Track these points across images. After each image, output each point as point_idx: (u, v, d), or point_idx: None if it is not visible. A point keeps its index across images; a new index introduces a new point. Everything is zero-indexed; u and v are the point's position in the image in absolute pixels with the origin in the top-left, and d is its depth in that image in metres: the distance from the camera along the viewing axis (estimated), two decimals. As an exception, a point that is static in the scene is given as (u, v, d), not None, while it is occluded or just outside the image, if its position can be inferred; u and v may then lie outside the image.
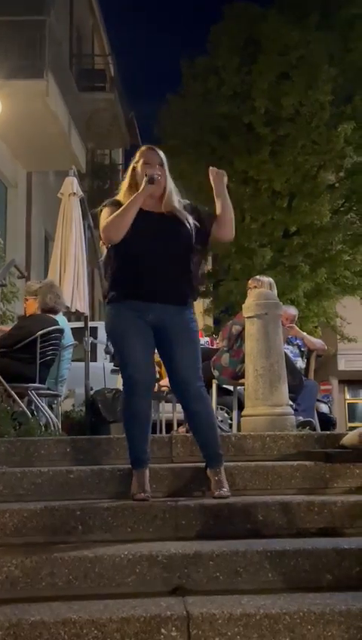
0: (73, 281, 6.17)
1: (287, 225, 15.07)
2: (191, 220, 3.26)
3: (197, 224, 3.28)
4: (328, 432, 4.68)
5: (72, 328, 5.86)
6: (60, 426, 5.36)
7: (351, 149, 14.43)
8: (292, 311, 6.61)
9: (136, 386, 3.19)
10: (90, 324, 6.87)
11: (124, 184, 3.35)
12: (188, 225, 3.24)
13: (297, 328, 6.54)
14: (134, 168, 3.31)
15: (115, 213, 3.19)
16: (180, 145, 15.36)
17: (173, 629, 2.23)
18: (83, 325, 6.64)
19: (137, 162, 3.31)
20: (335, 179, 15.36)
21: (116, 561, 2.56)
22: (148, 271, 3.18)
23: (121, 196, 3.33)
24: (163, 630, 2.22)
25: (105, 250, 3.34)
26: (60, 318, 5.47)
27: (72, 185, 6.46)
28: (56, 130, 10.63)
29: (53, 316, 5.30)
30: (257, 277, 5.80)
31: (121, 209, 3.19)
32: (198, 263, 3.32)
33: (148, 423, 3.31)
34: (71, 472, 3.28)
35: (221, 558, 2.58)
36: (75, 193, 6.42)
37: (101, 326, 8.32)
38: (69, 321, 6.46)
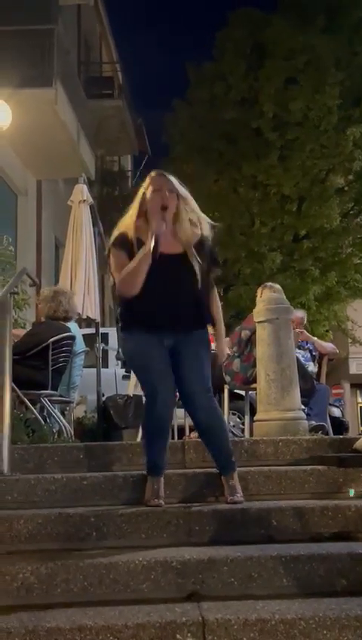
0: (84, 287, 6.19)
1: (297, 229, 15.07)
2: (198, 258, 3.25)
3: (201, 261, 3.27)
4: (341, 436, 4.67)
5: (83, 335, 5.88)
6: (73, 433, 5.37)
7: (360, 152, 14.41)
8: (300, 314, 6.60)
9: (157, 397, 3.17)
10: (101, 330, 6.89)
11: (132, 210, 3.31)
12: (196, 263, 3.24)
13: (307, 333, 6.54)
14: (144, 194, 3.28)
15: (124, 274, 3.18)
16: (188, 150, 15.42)
17: (189, 634, 2.23)
18: (94, 332, 6.66)
19: (146, 188, 3.27)
20: (344, 182, 15.35)
21: (130, 567, 2.56)
22: (157, 307, 3.19)
23: (127, 224, 3.30)
24: (178, 636, 2.22)
25: (111, 280, 3.36)
26: (72, 325, 5.49)
27: (81, 192, 6.50)
28: (66, 138, 10.67)
29: (64, 323, 5.32)
30: (266, 284, 5.80)
31: (131, 267, 3.16)
32: (208, 292, 3.31)
33: (169, 432, 3.34)
34: (84, 478, 3.28)
35: (235, 564, 2.57)
36: (84, 200, 6.45)
37: (112, 332, 8.35)
38: (80, 327, 6.48)
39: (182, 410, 6.50)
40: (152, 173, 3.33)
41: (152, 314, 3.20)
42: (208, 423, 3.24)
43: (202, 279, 3.25)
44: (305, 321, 7.06)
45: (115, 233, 3.34)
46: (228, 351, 3.30)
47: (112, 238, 3.34)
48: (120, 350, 7.03)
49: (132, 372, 6.19)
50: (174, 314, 3.21)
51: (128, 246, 3.24)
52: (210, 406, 3.25)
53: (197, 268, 3.24)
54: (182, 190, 3.28)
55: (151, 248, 3.11)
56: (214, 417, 3.26)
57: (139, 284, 3.16)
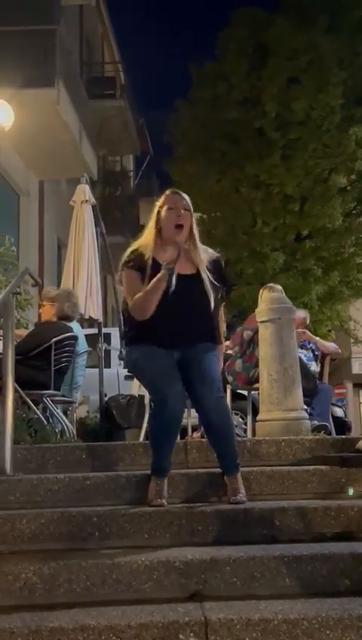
0: (86, 287, 6.21)
1: (299, 228, 15.06)
2: (210, 278, 3.30)
3: (214, 282, 3.32)
4: (343, 436, 4.66)
5: (85, 335, 5.88)
6: (75, 433, 5.37)
7: (363, 151, 14.42)
8: (302, 314, 6.60)
9: (168, 401, 3.14)
10: (104, 330, 6.90)
11: (148, 229, 3.33)
12: (207, 285, 3.27)
13: (309, 333, 6.53)
14: (158, 212, 3.30)
15: (137, 299, 3.19)
16: (190, 150, 15.43)
17: (191, 634, 2.23)
18: (96, 332, 6.67)
19: (161, 206, 3.30)
20: (346, 182, 15.34)
21: (133, 567, 2.56)
22: (168, 328, 3.20)
23: (143, 242, 3.33)
24: (181, 636, 2.23)
25: (121, 290, 3.36)
26: (74, 325, 5.50)
27: (84, 192, 6.51)
28: (68, 138, 10.68)
29: (67, 323, 5.33)
30: (267, 285, 5.81)
31: (145, 292, 3.16)
32: (217, 312, 3.34)
33: (177, 436, 3.33)
34: (87, 478, 3.28)
35: (238, 564, 2.57)
36: (87, 200, 6.47)
37: (114, 332, 8.36)
38: (82, 327, 6.48)
39: (184, 409, 6.54)
40: (167, 192, 3.36)
41: (163, 334, 3.21)
42: (217, 424, 3.23)
43: (214, 299, 3.28)
44: (308, 322, 7.06)
45: (128, 251, 3.35)
46: (224, 354, 3.35)
47: (125, 256, 3.34)
48: (122, 350, 7.04)
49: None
50: (185, 334, 3.23)
51: (142, 266, 3.25)
52: (220, 407, 3.23)
53: (209, 289, 3.26)
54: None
55: (166, 278, 3.11)
56: (224, 418, 3.25)
57: (151, 310, 3.17)
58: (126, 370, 7.56)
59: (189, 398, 3.29)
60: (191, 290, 3.25)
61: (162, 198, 3.34)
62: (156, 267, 3.20)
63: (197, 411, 3.34)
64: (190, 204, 3.31)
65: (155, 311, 3.18)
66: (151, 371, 3.24)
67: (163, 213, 3.28)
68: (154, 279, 3.16)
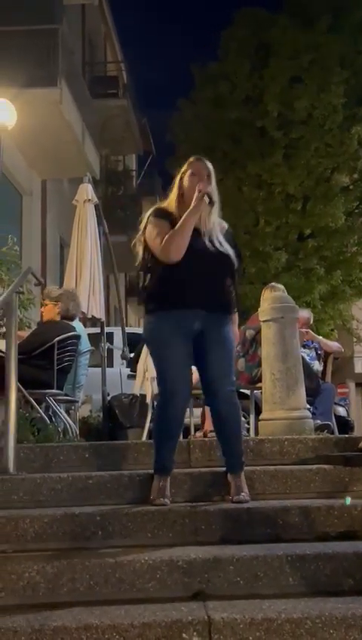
0: (89, 287, 6.20)
1: (302, 228, 15.07)
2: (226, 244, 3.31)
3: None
4: (346, 436, 4.66)
5: (88, 334, 5.88)
6: (78, 432, 5.38)
7: (365, 151, 14.43)
8: (306, 314, 6.59)
9: (173, 398, 3.16)
10: (106, 329, 6.90)
11: (173, 194, 3.32)
12: (224, 245, 3.28)
13: (312, 333, 6.52)
14: (181, 178, 3.31)
15: (171, 233, 3.16)
16: (192, 150, 15.43)
17: (195, 633, 2.23)
18: (99, 331, 6.66)
19: (184, 172, 3.31)
20: (349, 181, 15.35)
21: (136, 567, 2.56)
22: (194, 279, 3.17)
23: (168, 204, 3.33)
24: (184, 635, 2.22)
25: (140, 257, 3.32)
26: (76, 324, 5.50)
27: (86, 192, 6.51)
28: (71, 137, 10.68)
29: (69, 322, 5.33)
30: (269, 285, 5.81)
31: (177, 228, 3.16)
32: (233, 283, 3.33)
33: (180, 433, 3.33)
34: (90, 477, 3.28)
35: (241, 563, 2.57)
36: (89, 200, 6.46)
37: (117, 331, 8.36)
38: (85, 326, 6.48)
39: (187, 409, 6.53)
40: (191, 159, 3.37)
41: (187, 286, 3.16)
42: (227, 417, 3.23)
43: (230, 260, 3.27)
44: (311, 321, 7.05)
45: (153, 208, 3.34)
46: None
47: (151, 210, 3.33)
48: (125, 349, 7.05)
49: (137, 372, 6.23)
50: (207, 289, 3.19)
51: (170, 217, 3.24)
52: (232, 400, 3.24)
53: (230, 251, 3.26)
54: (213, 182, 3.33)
55: (202, 202, 3.12)
56: (234, 412, 3.25)
57: (185, 245, 3.14)
58: (128, 369, 7.59)
59: (201, 387, 3.28)
60: (212, 247, 3.23)
61: (185, 165, 3.34)
62: None
63: (208, 403, 3.34)
64: (212, 172, 3.31)
65: (179, 262, 3.14)
66: (167, 361, 3.20)
67: (185, 180, 3.29)
68: (191, 207, 3.15)
